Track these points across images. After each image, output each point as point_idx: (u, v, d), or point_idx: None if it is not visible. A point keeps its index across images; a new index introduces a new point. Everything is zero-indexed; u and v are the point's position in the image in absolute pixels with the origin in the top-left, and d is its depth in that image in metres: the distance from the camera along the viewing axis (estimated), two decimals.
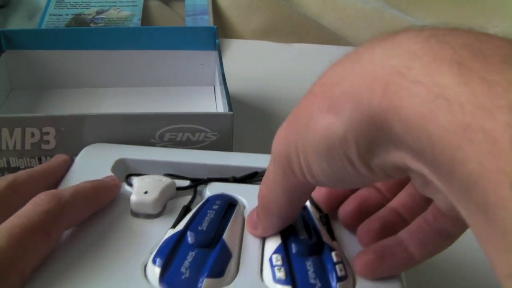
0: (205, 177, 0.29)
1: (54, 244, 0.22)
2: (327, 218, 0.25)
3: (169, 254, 0.23)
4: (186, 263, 0.22)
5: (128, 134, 0.33)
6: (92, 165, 0.30)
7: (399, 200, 0.23)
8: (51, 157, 0.34)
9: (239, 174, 0.29)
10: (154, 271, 0.22)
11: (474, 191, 0.12)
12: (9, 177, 0.25)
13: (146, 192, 0.26)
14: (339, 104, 0.16)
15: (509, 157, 0.12)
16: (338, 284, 0.21)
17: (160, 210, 0.26)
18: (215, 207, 0.26)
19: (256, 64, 0.37)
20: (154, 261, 0.22)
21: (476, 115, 0.12)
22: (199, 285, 0.21)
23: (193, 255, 0.23)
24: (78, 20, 0.64)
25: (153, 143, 0.34)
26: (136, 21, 0.65)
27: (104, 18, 0.65)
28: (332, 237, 0.25)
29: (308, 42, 0.62)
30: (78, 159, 0.31)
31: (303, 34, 0.62)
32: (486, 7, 0.56)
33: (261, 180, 0.29)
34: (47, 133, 0.33)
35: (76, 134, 0.33)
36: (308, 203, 0.27)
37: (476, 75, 0.13)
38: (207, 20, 0.70)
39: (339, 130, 0.16)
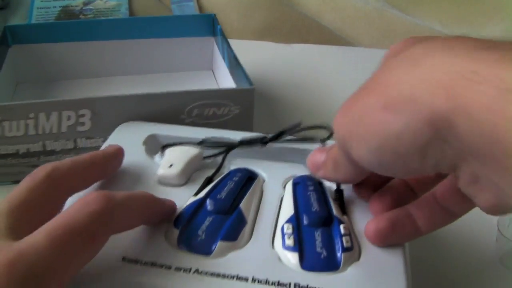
0: (236, 142, 0.30)
1: (98, 250, 0.20)
2: (341, 193, 0.27)
3: (189, 218, 0.24)
4: (203, 227, 0.24)
5: (160, 111, 0.36)
6: (125, 140, 0.32)
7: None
8: (86, 138, 0.37)
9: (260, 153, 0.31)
10: (174, 233, 0.24)
11: None
12: (49, 166, 0.23)
13: (171, 166, 0.28)
14: (397, 104, 0.17)
15: None
16: (342, 254, 0.23)
17: (183, 181, 0.28)
18: (235, 178, 0.28)
19: (256, 64, 0.39)
20: (174, 224, 0.24)
21: None
22: (213, 247, 0.23)
23: (210, 220, 0.24)
24: (67, 12, 0.65)
25: (182, 119, 0.37)
26: (124, 11, 0.67)
27: (92, 9, 0.66)
28: (343, 211, 0.26)
29: (308, 42, 0.63)
30: (112, 136, 0.33)
31: (303, 33, 0.63)
32: (486, 6, 0.57)
33: (287, 138, 0.31)
34: (83, 115, 0.35)
35: (111, 114, 0.36)
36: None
37: None
38: (193, 7, 0.72)
39: (395, 129, 0.18)
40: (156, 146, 0.32)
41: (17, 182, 0.38)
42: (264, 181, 0.29)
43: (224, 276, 0.21)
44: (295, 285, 0.21)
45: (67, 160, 0.24)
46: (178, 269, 0.22)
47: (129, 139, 0.32)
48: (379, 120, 0.18)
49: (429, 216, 0.23)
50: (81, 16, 0.65)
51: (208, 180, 0.28)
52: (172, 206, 0.25)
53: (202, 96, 0.36)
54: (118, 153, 0.28)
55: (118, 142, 0.32)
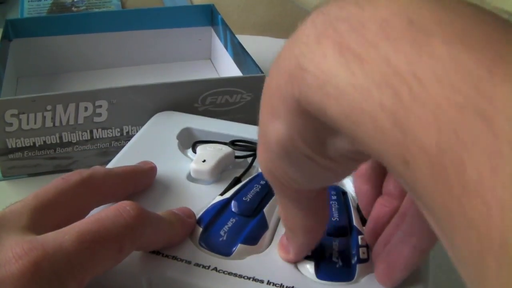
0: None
1: (121, 260, 0.20)
2: None
3: (213, 217, 0.25)
4: (226, 227, 0.24)
5: (175, 100, 0.37)
6: (159, 132, 0.33)
7: (407, 202, 0.21)
8: (102, 129, 0.37)
9: None
10: (197, 230, 0.24)
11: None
12: (84, 172, 0.23)
13: (204, 161, 0.28)
14: (275, 106, 0.16)
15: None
16: (358, 266, 0.23)
17: (214, 178, 0.28)
18: (262, 182, 0.28)
19: (255, 59, 0.39)
20: (197, 222, 0.25)
21: (358, 96, 0.12)
22: (233, 249, 0.23)
23: (233, 221, 0.25)
24: (59, 6, 0.65)
25: (196, 107, 0.38)
26: (116, 2, 0.67)
27: (84, 1, 0.66)
28: (364, 222, 0.25)
29: None
30: (146, 126, 0.34)
31: None
32: (486, 2, 0.60)
33: None
34: (100, 106, 0.36)
35: (127, 104, 0.36)
36: (349, 188, 0.28)
37: (352, 54, 0.13)
38: None
39: (284, 133, 0.16)
40: (190, 140, 0.33)
41: (33, 175, 0.39)
42: None
43: (241, 276, 0.22)
44: None
45: (101, 170, 0.24)
46: (197, 265, 0.22)
47: (163, 131, 0.33)
48: (273, 130, 0.17)
49: (428, 234, 0.20)
50: (73, 9, 0.65)
51: (236, 180, 0.29)
52: (192, 223, 0.25)
53: (216, 84, 0.37)
54: (151, 171, 0.28)
55: (152, 133, 0.33)
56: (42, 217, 0.20)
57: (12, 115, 0.35)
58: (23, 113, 0.35)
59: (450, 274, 0.30)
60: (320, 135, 0.16)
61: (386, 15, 0.13)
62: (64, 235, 0.18)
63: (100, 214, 0.19)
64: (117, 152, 0.31)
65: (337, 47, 0.13)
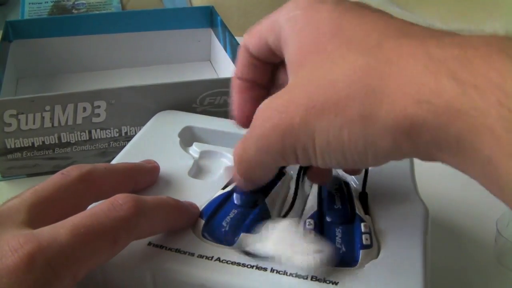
0: None
1: (117, 252, 0.20)
2: (366, 195, 0.27)
3: (215, 210, 0.25)
4: (228, 218, 0.25)
5: (174, 101, 0.37)
6: (161, 130, 0.33)
7: None
8: (100, 129, 0.38)
9: None
10: (199, 223, 0.24)
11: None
12: (84, 168, 0.23)
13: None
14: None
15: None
16: (361, 251, 0.23)
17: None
18: None
19: None
20: (200, 215, 0.25)
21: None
22: (236, 239, 0.23)
23: (235, 212, 0.25)
24: (59, 8, 0.65)
25: (194, 107, 0.38)
26: (116, 4, 0.67)
27: (84, 3, 0.67)
28: (366, 211, 0.26)
29: None
30: (148, 125, 0.34)
31: None
32: (485, 2, 0.59)
33: None
34: (98, 107, 0.36)
35: (125, 105, 0.36)
36: (351, 179, 0.29)
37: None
38: (184, 0, 0.73)
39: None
40: (191, 138, 0.33)
41: (32, 175, 0.39)
42: (291, 178, 0.29)
43: (244, 265, 0.22)
44: (312, 277, 0.22)
45: (101, 166, 0.24)
46: (200, 256, 0.23)
47: (165, 129, 0.33)
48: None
49: None
50: (74, 11, 0.65)
51: None
52: (196, 213, 0.25)
53: (214, 85, 0.37)
54: (153, 170, 0.27)
55: (154, 131, 0.33)
56: (40, 213, 0.20)
57: (11, 115, 0.35)
58: (22, 113, 0.35)
59: (450, 274, 0.31)
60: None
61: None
62: (59, 229, 0.18)
63: (95, 208, 0.20)
64: (115, 153, 0.31)
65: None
